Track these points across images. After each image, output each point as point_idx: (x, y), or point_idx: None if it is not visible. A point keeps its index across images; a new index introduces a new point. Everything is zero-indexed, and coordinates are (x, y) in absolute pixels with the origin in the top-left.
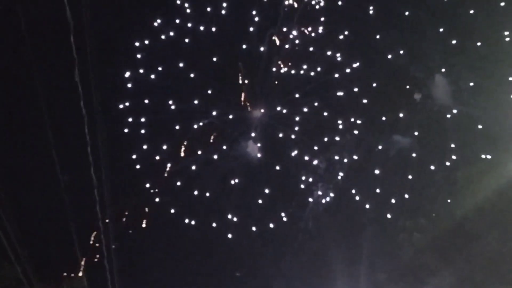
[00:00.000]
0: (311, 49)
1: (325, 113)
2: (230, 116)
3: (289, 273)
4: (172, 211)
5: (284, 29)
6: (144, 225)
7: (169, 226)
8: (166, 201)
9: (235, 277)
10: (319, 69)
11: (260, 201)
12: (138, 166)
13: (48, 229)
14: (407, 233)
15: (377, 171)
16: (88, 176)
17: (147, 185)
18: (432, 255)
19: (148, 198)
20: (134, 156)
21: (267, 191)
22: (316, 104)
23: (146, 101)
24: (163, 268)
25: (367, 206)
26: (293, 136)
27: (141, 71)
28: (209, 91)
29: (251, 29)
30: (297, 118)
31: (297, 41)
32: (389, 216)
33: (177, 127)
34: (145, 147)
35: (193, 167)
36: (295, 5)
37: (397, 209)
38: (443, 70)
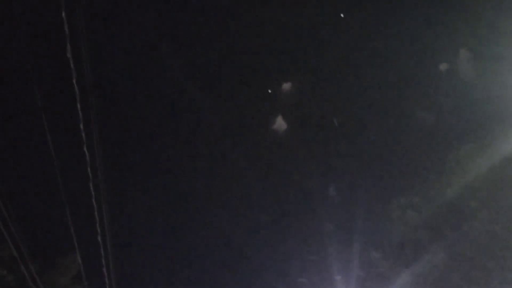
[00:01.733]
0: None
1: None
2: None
3: (282, 256)
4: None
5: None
6: (142, 200)
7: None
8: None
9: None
10: (342, 46)
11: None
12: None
13: (42, 207)
14: (401, 210)
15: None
16: (82, 153)
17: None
18: (424, 232)
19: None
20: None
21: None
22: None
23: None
24: (159, 248)
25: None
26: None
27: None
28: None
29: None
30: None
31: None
32: (383, 193)
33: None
34: (146, 137)
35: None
36: None
37: (390, 186)
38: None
